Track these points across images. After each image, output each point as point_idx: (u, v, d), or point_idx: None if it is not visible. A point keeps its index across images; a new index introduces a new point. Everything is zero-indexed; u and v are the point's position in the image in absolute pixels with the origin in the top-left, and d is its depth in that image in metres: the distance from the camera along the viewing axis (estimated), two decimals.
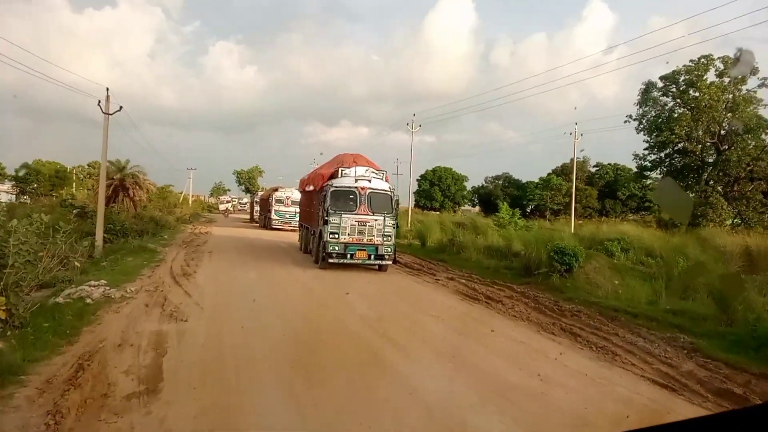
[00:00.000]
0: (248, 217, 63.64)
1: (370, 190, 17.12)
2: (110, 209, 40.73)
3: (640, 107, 41.76)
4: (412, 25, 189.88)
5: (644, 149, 42.35)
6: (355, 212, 16.87)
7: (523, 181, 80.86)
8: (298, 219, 39.81)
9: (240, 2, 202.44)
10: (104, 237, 24.98)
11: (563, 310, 11.47)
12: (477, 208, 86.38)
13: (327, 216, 16.69)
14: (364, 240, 16.87)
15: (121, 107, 23.46)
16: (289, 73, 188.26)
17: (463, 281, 15.72)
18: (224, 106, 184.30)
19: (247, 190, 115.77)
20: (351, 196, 17.08)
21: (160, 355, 7.64)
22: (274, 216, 38.46)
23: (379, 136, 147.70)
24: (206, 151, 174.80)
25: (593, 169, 76.58)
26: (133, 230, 29.29)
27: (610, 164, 76.79)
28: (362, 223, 16.84)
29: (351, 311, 10.91)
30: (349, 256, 16.76)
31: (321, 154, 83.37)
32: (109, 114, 23.11)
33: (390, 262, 17.25)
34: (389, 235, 17.05)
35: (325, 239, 16.79)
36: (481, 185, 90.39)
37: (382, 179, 17.65)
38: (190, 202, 72.17)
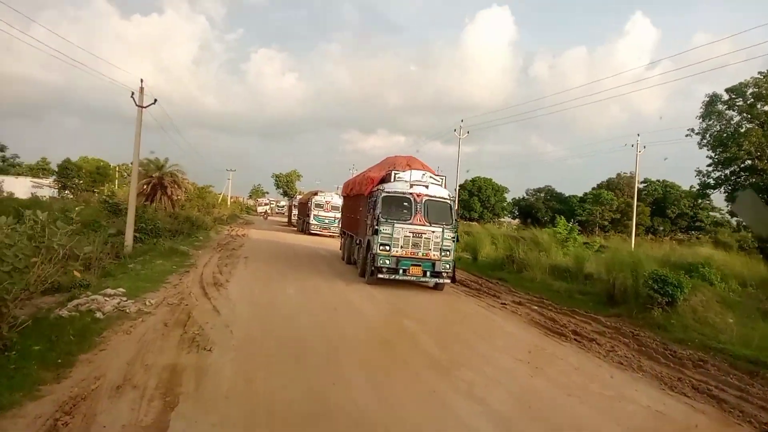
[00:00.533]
0: (286, 220, 62.19)
1: (427, 198, 14.88)
2: (145, 207, 39.67)
3: (703, 121, 38.52)
4: (450, 37, 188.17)
5: (707, 165, 39.16)
6: (410, 222, 14.64)
7: (566, 194, 77.91)
8: (339, 225, 38.20)
9: (281, 11, 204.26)
10: (135, 236, 23.44)
11: (681, 358, 8.96)
12: (517, 221, 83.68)
13: (377, 225, 14.51)
14: (419, 254, 14.62)
15: (155, 100, 21.83)
16: (329, 82, 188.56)
17: (535, 308, 13.27)
18: (265, 111, 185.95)
19: (285, 194, 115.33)
20: (405, 204, 14.86)
21: (168, 406, 5.55)
22: (312, 221, 36.57)
23: (416, 144, 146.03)
24: (246, 155, 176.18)
25: (641, 185, 72.74)
26: (167, 230, 27.73)
27: (658, 181, 73.05)
28: (417, 235, 14.59)
29: (415, 349, 8.61)
30: (401, 271, 14.54)
31: (353, 165, 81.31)
32: (142, 107, 21.51)
33: (448, 281, 14.94)
34: (448, 250, 14.76)
35: (374, 251, 14.61)
36: (522, 197, 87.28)
37: (440, 185, 15.40)
38: (229, 203, 71.23)
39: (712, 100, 37.81)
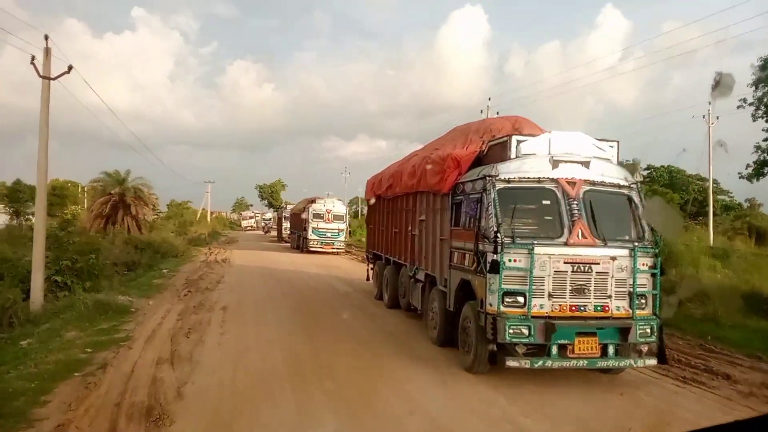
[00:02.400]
0: (275, 234, 53.80)
1: (589, 188, 6.96)
2: (104, 232, 31.25)
3: (757, 89, 31.22)
4: (425, 40, 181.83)
5: (764, 140, 31.91)
6: (563, 240, 6.67)
7: None
8: (344, 239, 30.04)
9: (254, 22, 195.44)
10: (56, 281, 15.26)
11: None
12: None
13: (498, 251, 6.49)
14: (589, 308, 6.63)
15: (70, 67, 13.57)
16: (306, 90, 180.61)
17: None
18: (243, 124, 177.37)
19: (270, 205, 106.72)
20: (546, 202, 6.95)
21: None
22: (311, 235, 28.41)
23: (396, 149, 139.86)
24: (227, 169, 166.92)
25: (644, 173, 65.72)
26: (117, 264, 19.52)
27: (663, 166, 66.43)
28: (582, 268, 6.63)
29: None
30: (556, 351, 6.53)
31: (345, 168, 73.56)
32: (50, 78, 13.28)
33: (652, 362, 6.89)
34: (644, 295, 6.82)
35: (492, 307, 6.59)
36: None
37: (609, 160, 7.40)
38: (209, 219, 62.55)
39: (766, 63, 30.51)
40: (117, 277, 18.25)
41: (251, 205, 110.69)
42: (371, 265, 14.70)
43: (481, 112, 28.56)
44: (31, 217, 50.99)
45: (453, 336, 7.93)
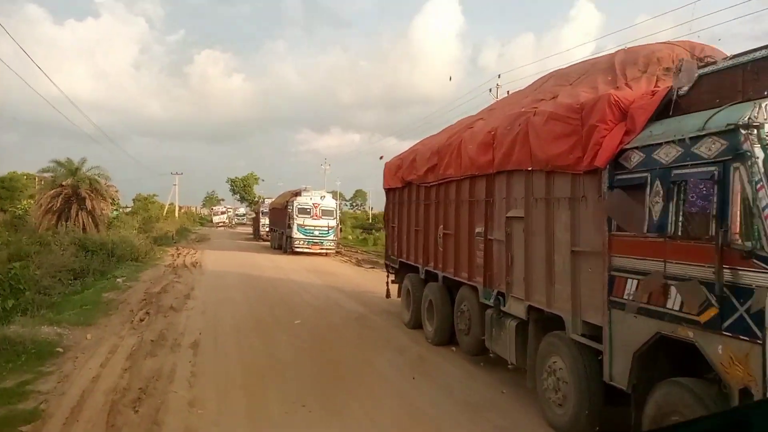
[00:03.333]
0: (250, 231, 49.48)
1: None
2: (55, 230, 26.72)
3: None
4: (398, 30, 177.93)
5: None
6: None
7: None
8: (336, 238, 26.06)
9: (223, 9, 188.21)
10: None
11: None
12: None
13: None
14: None
15: None
16: (277, 81, 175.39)
17: None
18: (213, 115, 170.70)
19: (243, 200, 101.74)
20: None
21: None
22: (296, 233, 24.41)
23: (369, 142, 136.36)
24: (196, 162, 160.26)
25: None
26: (53, 274, 15.43)
27: None
28: None
29: None
30: None
31: (325, 160, 69.08)
32: None
33: None
34: None
35: None
36: None
37: None
38: (177, 215, 57.70)
39: None
40: (58, 289, 14.20)
41: (222, 200, 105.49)
42: (392, 277, 10.97)
43: (490, 91, 25.00)
44: None
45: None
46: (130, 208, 59.35)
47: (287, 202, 26.01)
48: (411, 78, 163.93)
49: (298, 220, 24.40)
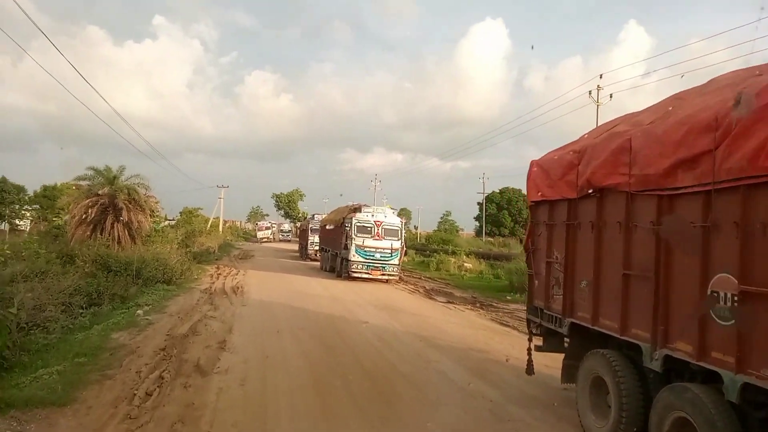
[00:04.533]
0: (295, 248, 46.04)
1: None
2: (87, 242, 23.69)
3: None
4: (444, 53, 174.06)
5: None
6: None
7: None
8: (399, 262, 22.10)
9: (274, 32, 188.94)
10: None
11: None
12: None
13: None
14: None
15: None
16: (323, 101, 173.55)
17: None
18: (260, 134, 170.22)
19: (287, 215, 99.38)
20: None
21: None
22: (354, 256, 20.42)
23: (413, 162, 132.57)
24: (243, 178, 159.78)
25: None
26: (62, 300, 11.96)
27: None
28: None
29: None
30: None
31: (375, 176, 66.13)
32: None
33: None
34: None
35: None
36: None
37: None
38: (221, 229, 54.86)
39: None
40: (62, 321, 10.71)
41: (267, 215, 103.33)
42: (533, 344, 6.78)
43: (590, 93, 20.71)
44: (17, 221, 43.77)
45: None
46: (174, 221, 57.21)
47: (343, 219, 22.12)
48: (455, 99, 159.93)
49: (357, 240, 20.44)
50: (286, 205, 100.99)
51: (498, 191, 70.07)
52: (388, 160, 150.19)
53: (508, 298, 16.88)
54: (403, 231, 21.51)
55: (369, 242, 20.52)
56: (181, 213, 62.74)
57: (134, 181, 29.38)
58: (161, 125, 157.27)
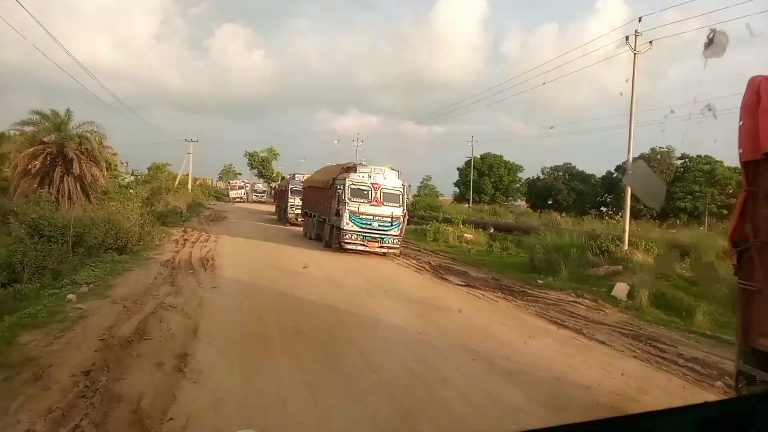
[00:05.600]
0: (271, 210, 42.38)
1: None
2: (30, 198, 19.84)
3: None
4: (420, 14, 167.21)
5: None
6: None
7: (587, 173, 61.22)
8: (400, 233, 17.83)
9: None
10: None
11: None
12: (524, 203, 67.18)
13: None
14: None
15: None
16: (297, 59, 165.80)
17: None
18: (231, 90, 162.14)
19: (261, 175, 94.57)
20: None
21: None
22: (348, 224, 16.99)
23: (387, 125, 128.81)
24: (214, 135, 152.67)
25: (678, 162, 55.19)
26: None
27: (700, 156, 56.19)
28: None
29: None
30: None
31: (357, 135, 62.37)
32: None
33: None
34: None
35: None
36: (537, 177, 69.60)
37: None
38: (190, 187, 50.53)
39: None
40: None
41: (240, 174, 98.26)
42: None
43: (627, 39, 17.40)
44: None
45: None
46: (142, 177, 52.49)
47: (334, 179, 18.59)
48: (431, 62, 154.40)
49: (351, 205, 17.02)
50: (260, 164, 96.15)
51: (479, 156, 67.20)
52: (362, 122, 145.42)
53: (540, 282, 13.84)
54: (406, 196, 18.13)
55: (365, 208, 17.13)
56: (149, 169, 57.96)
57: (87, 129, 25.19)
58: (128, 77, 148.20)
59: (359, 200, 17.15)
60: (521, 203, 68.67)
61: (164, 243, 17.97)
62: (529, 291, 12.62)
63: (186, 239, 19.41)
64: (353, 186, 17.22)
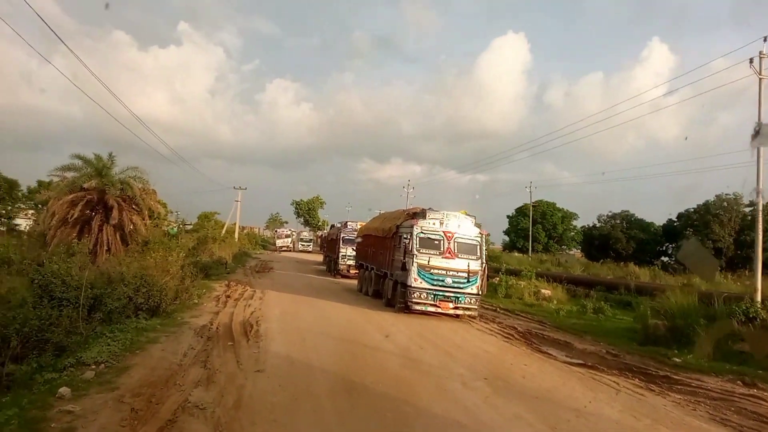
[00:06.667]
0: (317, 259, 39.98)
1: None
2: (71, 248, 17.81)
3: None
4: (464, 65, 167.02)
5: None
6: None
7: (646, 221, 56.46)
8: (461, 290, 14.19)
9: (295, 40, 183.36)
10: None
11: None
12: (579, 252, 62.51)
13: None
14: None
15: None
16: (342, 111, 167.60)
17: None
18: (279, 141, 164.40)
19: (307, 223, 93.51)
20: None
21: None
22: (416, 280, 14.08)
23: (430, 174, 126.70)
24: (261, 185, 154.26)
25: (747, 209, 49.72)
26: None
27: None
28: None
29: None
30: None
31: (408, 182, 60.09)
32: None
33: None
34: None
35: None
36: (592, 225, 65.03)
37: None
38: (237, 236, 48.84)
39: None
40: None
41: (287, 222, 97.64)
42: None
43: (751, 62, 14.33)
44: (15, 220, 38.27)
45: None
46: (191, 226, 51.40)
47: (397, 227, 15.83)
48: (474, 112, 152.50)
49: (420, 258, 14.14)
50: (306, 212, 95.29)
51: (532, 204, 63.88)
52: (405, 171, 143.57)
53: (677, 360, 10.42)
54: (484, 247, 15.11)
55: (437, 261, 14.22)
56: (199, 217, 57.07)
57: (130, 174, 23.47)
58: (182, 131, 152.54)
59: (429, 252, 14.27)
60: (576, 252, 64.52)
61: (204, 301, 15.50)
62: (673, 376, 9.25)
63: (229, 295, 16.91)
64: (422, 235, 14.39)
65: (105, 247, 21.65)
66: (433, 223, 14.57)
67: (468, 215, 14.85)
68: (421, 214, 14.91)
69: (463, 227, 14.63)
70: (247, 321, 12.18)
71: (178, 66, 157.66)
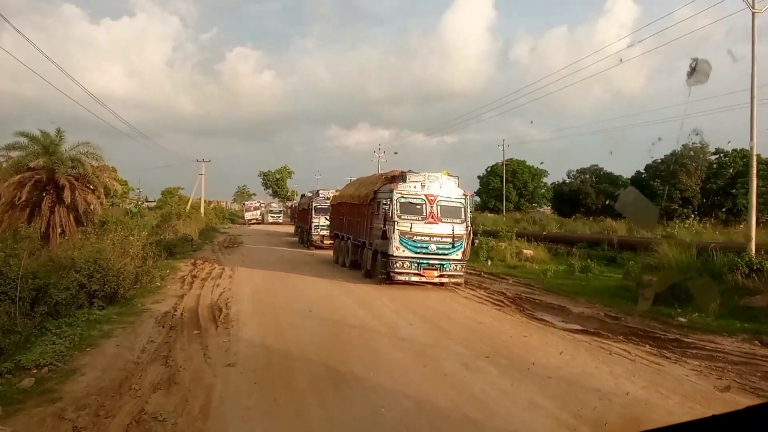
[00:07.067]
0: (289, 230, 38.68)
1: None
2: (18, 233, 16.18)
3: None
4: (428, 25, 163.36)
5: None
6: None
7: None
8: (446, 257, 13.14)
9: (254, 6, 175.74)
10: None
11: None
12: (550, 209, 62.97)
13: None
14: None
15: None
16: (306, 77, 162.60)
17: None
18: (243, 112, 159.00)
19: (275, 194, 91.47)
20: None
21: None
22: (397, 248, 13.05)
23: (398, 138, 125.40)
24: (227, 157, 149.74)
25: (713, 157, 50.50)
26: None
27: (736, 150, 51.59)
28: None
29: None
30: None
31: (379, 146, 58.78)
32: None
33: None
34: None
35: None
36: (563, 181, 65.40)
37: None
38: (203, 211, 46.88)
39: None
40: None
41: (254, 194, 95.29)
42: None
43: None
44: None
45: None
46: (154, 203, 49.16)
47: (374, 192, 14.69)
48: (441, 72, 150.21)
49: (402, 224, 13.08)
50: (275, 183, 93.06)
51: (501, 163, 63.45)
52: (373, 136, 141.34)
53: (682, 320, 9.74)
54: (469, 209, 14.14)
55: (419, 227, 13.19)
56: (162, 193, 54.64)
57: (82, 150, 21.50)
58: (141, 105, 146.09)
59: (411, 217, 13.22)
60: (546, 209, 64.71)
61: (167, 283, 14.19)
62: (683, 339, 8.54)
63: (195, 275, 15.63)
64: (402, 200, 13.29)
65: (58, 230, 19.88)
66: (414, 187, 13.47)
67: (450, 176, 13.78)
68: (400, 177, 13.76)
69: (445, 189, 13.58)
70: (216, 304, 11.00)
71: (132, 37, 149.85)
